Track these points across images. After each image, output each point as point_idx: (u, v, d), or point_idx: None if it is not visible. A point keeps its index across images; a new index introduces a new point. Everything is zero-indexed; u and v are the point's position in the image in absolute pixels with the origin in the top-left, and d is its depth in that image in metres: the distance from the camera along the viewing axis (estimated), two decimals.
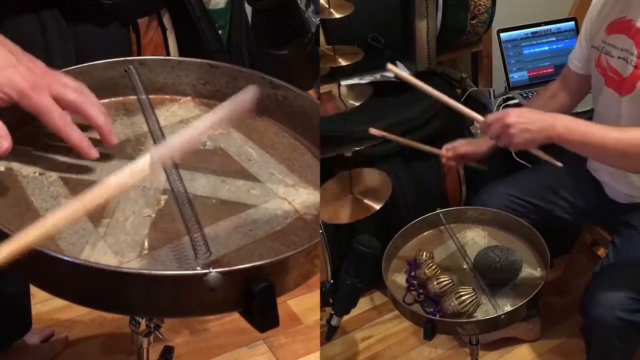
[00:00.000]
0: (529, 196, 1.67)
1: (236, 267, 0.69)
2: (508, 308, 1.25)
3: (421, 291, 1.34)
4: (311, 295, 1.97)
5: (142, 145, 0.93)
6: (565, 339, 1.93)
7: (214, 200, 0.85)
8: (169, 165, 0.85)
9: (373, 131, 1.50)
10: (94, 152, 0.86)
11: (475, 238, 1.46)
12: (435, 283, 1.31)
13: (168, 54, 1.27)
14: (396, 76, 1.36)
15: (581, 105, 1.82)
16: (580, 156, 1.65)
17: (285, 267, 0.73)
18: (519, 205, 1.66)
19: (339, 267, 1.55)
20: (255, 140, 0.98)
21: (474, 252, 1.40)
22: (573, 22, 2.23)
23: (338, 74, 1.96)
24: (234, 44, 1.39)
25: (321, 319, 1.92)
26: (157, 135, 0.94)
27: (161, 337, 0.99)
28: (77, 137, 0.84)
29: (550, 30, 2.25)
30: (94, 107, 0.86)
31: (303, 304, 1.98)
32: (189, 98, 1.05)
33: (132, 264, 0.74)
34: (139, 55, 1.22)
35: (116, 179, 0.73)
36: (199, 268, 0.70)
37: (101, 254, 0.75)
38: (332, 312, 1.43)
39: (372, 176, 1.72)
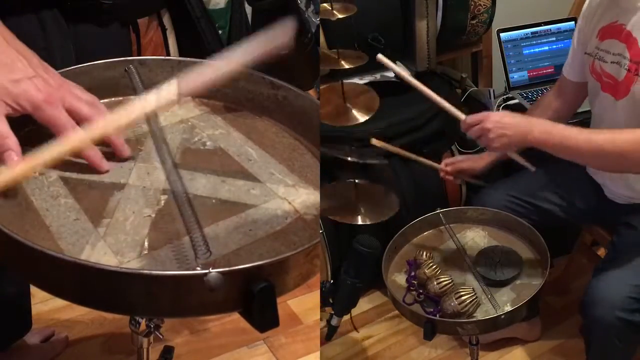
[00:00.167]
0: (529, 196, 1.67)
1: (236, 267, 0.69)
2: (508, 308, 1.25)
3: (421, 291, 1.34)
4: (311, 295, 1.97)
5: (142, 145, 0.93)
6: (565, 339, 1.92)
7: (214, 200, 0.85)
8: (195, 93, 0.84)
9: (374, 142, 1.51)
10: (106, 165, 0.87)
11: (475, 238, 1.47)
12: (435, 283, 1.31)
13: (168, 54, 1.27)
14: (382, 63, 1.37)
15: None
16: None
17: (285, 267, 0.73)
18: (519, 206, 1.66)
19: (339, 267, 1.55)
20: (255, 140, 0.98)
21: (474, 252, 1.40)
22: (573, 22, 2.23)
23: (338, 74, 1.96)
24: (234, 44, 1.39)
25: (321, 319, 1.92)
26: (157, 135, 0.94)
27: (161, 337, 0.99)
28: (90, 152, 0.86)
29: (550, 30, 2.25)
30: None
31: (303, 304, 1.98)
32: (189, 98, 1.05)
33: (132, 264, 0.74)
34: (139, 55, 1.22)
35: (142, 102, 0.74)
36: (199, 268, 0.70)
37: (101, 254, 0.75)
38: (332, 312, 1.43)
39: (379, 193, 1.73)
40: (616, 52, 1.44)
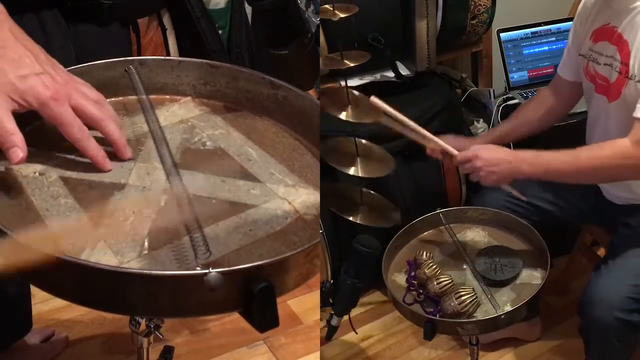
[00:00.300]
0: (529, 197, 1.67)
1: (236, 267, 0.69)
2: (508, 308, 1.25)
3: (421, 291, 1.34)
4: (311, 295, 1.96)
5: (142, 145, 0.93)
6: (565, 339, 1.92)
7: (214, 200, 0.85)
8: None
9: (373, 100, 1.50)
10: (109, 165, 0.87)
11: (475, 238, 1.47)
12: (435, 283, 1.31)
13: (168, 54, 1.27)
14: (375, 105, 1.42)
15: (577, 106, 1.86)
16: None
17: (285, 267, 0.73)
18: (519, 206, 1.66)
19: (339, 267, 1.55)
20: (255, 140, 0.98)
21: (474, 252, 1.40)
22: (572, 23, 2.23)
23: (338, 74, 1.96)
24: (234, 44, 1.39)
25: (321, 319, 1.92)
26: (157, 135, 0.94)
27: (161, 337, 0.99)
28: (94, 150, 0.86)
29: (550, 30, 2.25)
30: (111, 122, 0.87)
31: (303, 304, 1.98)
32: (189, 98, 1.05)
33: (132, 264, 0.74)
34: (139, 55, 1.22)
35: None
36: (199, 268, 0.70)
37: (101, 254, 0.75)
38: (332, 312, 1.43)
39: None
40: (608, 54, 1.45)
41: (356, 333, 1.89)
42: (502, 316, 1.22)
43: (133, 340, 0.99)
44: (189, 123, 1.00)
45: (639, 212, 1.55)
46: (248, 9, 1.34)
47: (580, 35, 1.56)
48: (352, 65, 1.56)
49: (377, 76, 2.10)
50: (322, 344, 1.87)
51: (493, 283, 1.32)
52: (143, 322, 0.98)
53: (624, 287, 1.42)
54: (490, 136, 1.74)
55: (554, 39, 2.24)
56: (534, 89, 2.20)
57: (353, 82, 1.99)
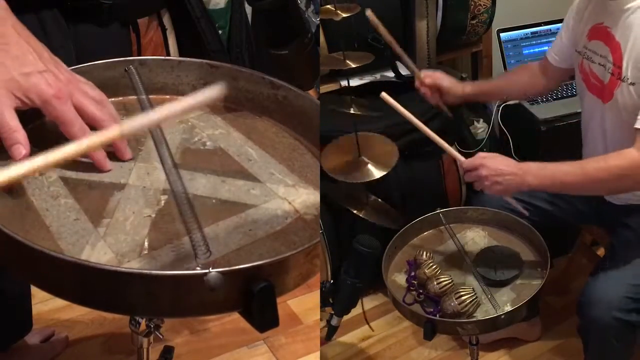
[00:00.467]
0: (529, 197, 1.67)
1: (236, 267, 0.69)
2: (508, 308, 1.25)
3: (421, 291, 1.34)
4: (311, 295, 1.96)
5: (142, 145, 0.93)
6: (565, 339, 1.92)
7: (214, 200, 0.85)
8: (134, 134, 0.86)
9: (369, 14, 1.49)
10: (109, 165, 0.87)
11: (475, 238, 1.47)
12: (435, 283, 1.31)
13: (168, 54, 1.27)
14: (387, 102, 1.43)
15: (570, 108, 1.90)
16: (578, 157, 1.65)
17: (285, 267, 0.73)
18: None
19: (339, 267, 1.55)
20: (255, 140, 0.98)
21: (474, 252, 1.40)
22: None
23: (338, 74, 1.96)
24: (234, 44, 1.39)
25: (321, 319, 1.92)
26: (157, 135, 0.94)
27: (161, 337, 0.99)
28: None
29: (550, 30, 2.25)
30: (111, 123, 0.87)
31: (303, 304, 1.98)
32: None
33: (132, 264, 0.74)
34: (139, 55, 1.22)
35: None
36: (199, 268, 0.70)
37: (101, 254, 0.75)
38: (332, 312, 1.43)
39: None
40: (602, 54, 1.45)
41: (372, 330, 1.89)
42: (502, 316, 1.22)
43: (133, 340, 0.99)
44: (189, 123, 1.00)
45: (638, 213, 1.55)
46: (248, 9, 1.34)
47: (577, 30, 1.56)
48: (354, 66, 1.57)
49: (377, 76, 2.10)
50: (322, 344, 1.87)
51: (493, 283, 1.32)
52: (143, 322, 0.98)
53: (623, 287, 1.42)
54: (479, 86, 1.78)
55: (554, 39, 2.23)
56: None
57: (353, 82, 1.99)
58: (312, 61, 1.25)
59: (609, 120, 1.46)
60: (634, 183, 1.37)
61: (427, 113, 1.99)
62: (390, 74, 2.10)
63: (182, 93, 1.05)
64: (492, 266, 1.33)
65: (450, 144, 2.07)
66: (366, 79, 2.07)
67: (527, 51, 2.23)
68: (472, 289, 1.28)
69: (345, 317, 1.44)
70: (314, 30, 1.48)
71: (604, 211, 1.63)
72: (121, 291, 0.69)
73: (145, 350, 1.00)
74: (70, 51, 1.13)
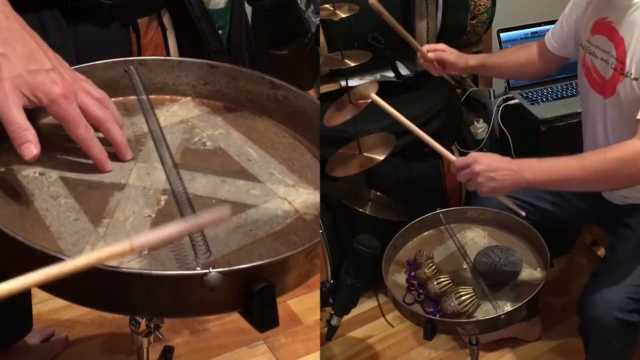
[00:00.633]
0: (529, 197, 1.67)
1: (236, 267, 0.69)
2: (508, 308, 1.25)
3: (421, 291, 1.34)
4: (311, 295, 1.96)
5: (142, 146, 0.93)
6: (565, 339, 1.93)
7: (214, 200, 0.85)
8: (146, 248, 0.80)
9: (372, 1, 1.49)
10: (110, 166, 0.87)
11: (475, 238, 1.47)
12: (435, 283, 1.31)
13: (168, 54, 1.27)
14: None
15: (570, 108, 1.90)
16: None
17: (285, 267, 0.73)
18: (519, 206, 1.65)
19: (339, 267, 1.55)
20: (255, 140, 0.98)
21: (474, 252, 1.40)
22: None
23: (338, 74, 1.96)
24: (234, 44, 1.39)
25: (321, 319, 1.92)
26: (157, 135, 0.94)
27: (161, 337, 0.99)
28: (97, 151, 0.85)
29: None
30: (114, 124, 0.87)
31: (303, 304, 1.98)
32: (189, 98, 1.05)
33: (132, 264, 0.74)
34: (139, 55, 1.22)
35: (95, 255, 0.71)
36: (199, 268, 0.70)
37: None
38: (332, 312, 1.43)
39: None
40: (605, 49, 1.44)
41: (392, 326, 1.89)
42: (502, 316, 1.22)
43: (133, 340, 1.00)
44: (189, 123, 1.00)
45: (638, 212, 1.55)
46: (248, 9, 1.34)
47: (580, 24, 1.55)
48: (353, 65, 1.57)
49: (377, 76, 2.10)
50: (322, 344, 1.87)
51: (493, 283, 1.32)
52: (143, 322, 0.98)
53: (624, 287, 1.42)
54: (481, 60, 1.75)
55: None
56: (534, 88, 2.20)
57: (353, 82, 1.98)
58: (312, 61, 1.25)
59: (610, 116, 1.45)
60: (635, 174, 1.31)
61: (427, 113, 2.00)
62: (390, 74, 2.10)
63: (182, 93, 1.05)
64: (492, 266, 1.33)
65: (451, 144, 2.09)
66: (366, 79, 2.07)
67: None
68: (472, 289, 1.28)
69: (345, 317, 1.44)
70: (314, 30, 1.48)
71: (604, 211, 1.63)
72: (121, 291, 0.69)
73: (145, 350, 1.00)
74: (70, 51, 1.13)
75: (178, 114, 1.02)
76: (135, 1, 1.19)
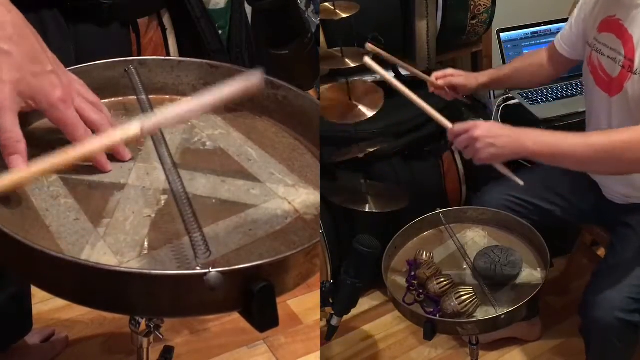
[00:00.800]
0: (529, 196, 1.67)
1: (236, 267, 0.69)
2: (508, 308, 1.25)
3: (421, 291, 1.34)
4: (311, 295, 1.97)
5: (142, 146, 0.93)
6: (565, 339, 1.93)
7: (213, 200, 0.85)
8: (156, 132, 0.85)
9: (369, 46, 1.49)
10: (109, 167, 0.87)
11: (475, 238, 1.46)
12: (435, 283, 1.31)
13: (168, 54, 1.27)
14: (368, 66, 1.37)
15: (570, 108, 1.90)
16: None
17: (285, 267, 0.73)
18: (519, 206, 1.66)
19: (339, 267, 1.55)
20: (255, 140, 0.98)
21: (474, 252, 1.40)
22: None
23: (338, 74, 1.96)
24: (234, 44, 1.39)
25: (321, 319, 1.92)
26: (157, 135, 0.94)
27: (161, 337, 0.99)
28: (97, 152, 0.85)
29: (550, 30, 2.25)
30: (109, 127, 0.86)
31: (303, 304, 1.98)
32: (189, 98, 1.05)
33: (132, 264, 0.74)
34: (139, 55, 1.22)
35: (106, 138, 0.73)
36: (199, 268, 0.70)
37: (101, 254, 0.75)
38: (332, 312, 1.43)
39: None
40: (613, 47, 1.43)
41: (410, 321, 1.89)
42: (502, 316, 1.22)
43: (133, 340, 0.99)
44: (189, 123, 1.00)
45: (639, 212, 1.55)
46: (248, 9, 1.34)
47: (587, 23, 1.55)
48: (352, 65, 1.57)
49: (377, 76, 2.10)
50: (322, 344, 1.87)
51: (493, 283, 1.32)
52: (143, 322, 0.98)
53: (625, 288, 1.42)
54: (491, 75, 1.72)
55: (553, 39, 2.23)
56: (534, 88, 2.20)
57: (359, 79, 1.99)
58: (312, 61, 1.26)
59: (615, 115, 1.45)
60: (637, 160, 1.27)
61: (426, 114, 1.99)
62: (390, 74, 2.10)
63: (182, 93, 1.05)
64: (492, 266, 1.33)
65: (450, 144, 2.09)
66: (366, 79, 2.07)
67: (527, 51, 2.22)
68: (472, 289, 1.28)
69: (345, 317, 1.44)
70: (314, 30, 1.48)
71: (605, 210, 1.63)
72: (121, 291, 0.69)
73: (145, 350, 1.00)
74: (70, 51, 1.13)
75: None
76: (135, 1, 1.19)
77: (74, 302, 0.72)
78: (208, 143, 0.96)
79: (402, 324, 1.99)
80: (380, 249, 1.36)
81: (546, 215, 1.66)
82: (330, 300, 1.42)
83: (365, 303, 2.07)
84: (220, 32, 1.31)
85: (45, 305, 1.85)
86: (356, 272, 1.34)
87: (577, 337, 1.59)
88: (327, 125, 1.59)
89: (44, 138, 0.89)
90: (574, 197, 1.67)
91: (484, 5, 2.11)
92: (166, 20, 1.26)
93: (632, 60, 1.37)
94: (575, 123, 1.86)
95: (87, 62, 0.98)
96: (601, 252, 1.97)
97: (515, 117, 2.18)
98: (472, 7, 2.09)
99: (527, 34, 2.23)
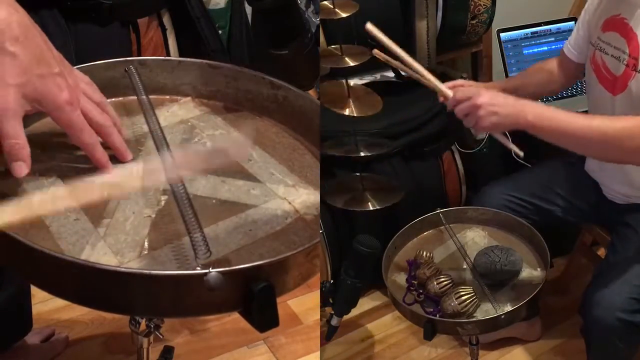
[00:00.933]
0: (529, 196, 1.67)
1: (236, 267, 0.69)
2: (508, 308, 1.25)
3: (421, 291, 1.34)
4: (311, 295, 1.97)
5: (142, 146, 0.93)
6: (565, 339, 1.93)
7: (214, 201, 0.85)
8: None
9: (376, 53, 1.48)
10: (111, 167, 0.87)
11: (475, 238, 1.46)
12: (435, 283, 1.31)
13: (168, 54, 1.27)
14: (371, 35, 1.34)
15: (571, 108, 1.84)
16: (578, 157, 1.65)
17: (285, 267, 0.73)
18: (519, 206, 1.66)
19: (339, 267, 1.55)
20: (255, 140, 0.98)
21: (474, 252, 1.40)
22: (573, 22, 2.23)
23: (338, 74, 1.96)
24: (234, 44, 1.39)
25: (321, 319, 1.92)
26: (157, 135, 0.94)
27: (161, 337, 0.99)
28: (100, 155, 0.84)
29: (550, 30, 2.25)
30: (114, 129, 0.86)
31: (303, 304, 1.98)
32: (189, 98, 1.05)
33: (132, 264, 0.74)
34: (139, 55, 1.22)
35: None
36: (199, 268, 0.70)
37: (101, 254, 0.75)
38: (332, 312, 1.43)
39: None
40: (617, 45, 1.43)
41: (410, 321, 1.89)
42: (502, 316, 1.22)
43: (133, 340, 0.99)
44: (189, 123, 1.00)
45: (639, 211, 1.54)
46: (248, 9, 1.34)
47: (591, 23, 1.55)
48: (352, 64, 1.57)
49: (377, 76, 2.10)
50: (322, 344, 1.87)
51: (493, 283, 1.32)
52: (143, 322, 0.98)
53: (626, 288, 1.42)
54: (501, 84, 1.71)
55: (553, 39, 2.24)
56: None
57: (353, 82, 1.99)
58: (312, 61, 1.26)
59: (618, 113, 1.44)
60: (636, 149, 1.26)
61: (427, 113, 2.00)
62: (390, 74, 2.10)
63: (182, 93, 1.05)
64: (492, 266, 1.33)
65: (450, 144, 2.09)
66: (366, 79, 2.07)
67: (527, 51, 2.22)
68: (472, 289, 1.28)
69: (345, 317, 1.44)
70: (314, 30, 1.48)
71: (605, 210, 1.63)
72: (121, 291, 0.69)
73: (145, 350, 1.00)
74: (70, 51, 1.13)
75: (178, 114, 1.02)
76: (135, 1, 1.19)
77: (74, 302, 0.72)
78: (208, 143, 0.96)
79: (402, 324, 1.99)
80: (380, 249, 1.36)
81: (546, 215, 1.66)
82: (330, 300, 1.43)
83: (365, 303, 2.07)
84: (220, 32, 1.31)
85: (45, 305, 1.85)
86: (356, 272, 1.34)
87: (577, 337, 1.59)
88: (326, 124, 1.59)
89: (44, 138, 0.89)
90: (574, 197, 1.67)
91: (484, 5, 2.11)
92: (166, 20, 1.26)
93: (636, 59, 1.37)
94: None
95: (87, 62, 0.98)
96: (601, 252, 1.97)
97: None
98: (472, 7, 2.09)
99: (527, 34, 2.23)
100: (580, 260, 2.01)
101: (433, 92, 1.70)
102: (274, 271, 0.71)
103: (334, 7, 1.55)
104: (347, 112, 1.62)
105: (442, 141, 2.05)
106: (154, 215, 0.81)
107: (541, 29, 2.24)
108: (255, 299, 0.69)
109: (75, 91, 0.81)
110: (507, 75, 2.21)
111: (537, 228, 1.40)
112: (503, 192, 1.68)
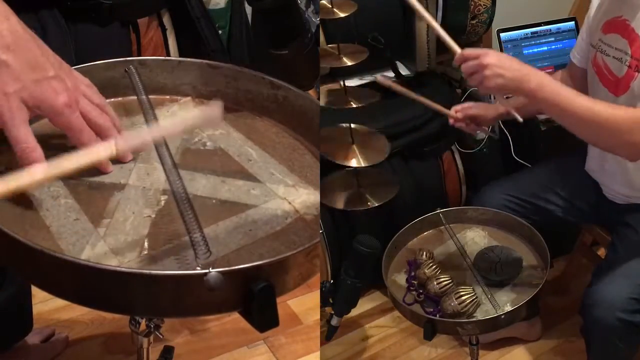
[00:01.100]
0: (529, 196, 1.67)
1: (236, 267, 0.69)
2: (508, 308, 1.25)
3: (421, 291, 1.34)
4: (311, 295, 1.97)
5: None
6: (565, 339, 1.93)
7: (214, 201, 0.85)
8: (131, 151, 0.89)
9: (379, 79, 1.48)
10: (111, 168, 0.87)
11: (475, 238, 1.47)
12: (435, 283, 1.31)
13: (168, 54, 1.27)
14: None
15: None
16: (579, 156, 1.66)
17: (285, 267, 0.73)
18: (519, 206, 1.66)
19: (339, 267, 1.55)
20: (255, 140, 0.98)
21: (474, 252, 1.40)
22: (573, 22, 2.24)
23: (338, 74, 1.96)
24: (234, 44, 1.39)
25: (321, 319, 1.92)
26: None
27: (161, 337, 0.99)
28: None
29: (550, 30, 2.25)
30: (113, 130, 0.86)
31: (303, 304, 1.98)
32: (189, 98, 1.05)
33: (132, 264, 0.74)
34: (139, 55, 1.22)
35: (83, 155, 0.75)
36: (199, 268, 0.70)
37: (101, 254, 0.75)
38: (332, 312, 1.43)
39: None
40: (619, 47, 1.43)
41: (410, 321, 1.89)
42: (502, 316, 1.22)
43: (133, 340, 0.99)
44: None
45: (639, 211, 1.54)
46: (248, 9, 1.34)
47: (593, 24, 1.54)
48: (350, 63, 1.57)
49: (377, 76, 2.10)
50: (322, 344, 1.87)
51: (493, 283, 1.32)
52: (143, 322, 0.98)
53: (627, 288, 1.42)
54: (514, 101, 1.70)
55: (553, 39, 2.24)
56: None
57: (353, 82, 1.99)
58: (313, 61, 1.26)
59: None
60: (633, 143, 1.26)
61: (427, 113, 2.00)
62: (391, 74, 2.10)
63: (182, 93, 1.05)
64: (492, 266, 1.33)
65: (450, 144, 2.09)
66: (366, 79, 2.07)
67: (527, 51, 2.22)
68: (472, 289, 1.29)
69: (345, 317, 1.44)
70: (314, 30, 1.48)
71: (605, 210, 1.63)
72: (121, 291, 0.69)
73: (145, 350, 1.00)
74: (70, 51, 1.13)
75: (178, 114, 1.02)
76: (135, 1, 1.19)
77: (74, 302, 0.72)
78: (208, 143, 0.96)
79: (402, 324, 1.99)
80: (380, 249, 1.36)
81: (546, 215, 1.66)
82: (330, 300, 1.43)
83: (365, 303, 2.07)
84: (220, 32, 1.31)
85: (45, 305, 1.85)
86: (356, 272, 1.35)
87: (578, 337, 1.59)
88: (326, 124, 1.59)
89: (43, 140, 0.89)
90: (574, 197, 1.67)
91: (484, 5, 2.11)
92: (166, 20, 1.26)
93: (639, 60, 1.37)
94: None
95: (87, 62, 0.98)
96: (601, 252, 1.97)
97: None
98: (472, 7, 2.09)
99: (527, 34, 2.23)
100: (580, 260, 2.01)
101: (433, 93, 1.70)
102: (274, 271, 0.71)
103: (332, 7, 1.54)
104: (353, 162, 1.62)
105: (442, 141, 2.05)
106: (153, 215, 0.81)
107: (541, 29, 2.24)
108: (255, 299, 0.69)
109: (73, 93, 0.82)
110: None
111: (537, 228, 1.40)
112: (503, 192, 1.68)
